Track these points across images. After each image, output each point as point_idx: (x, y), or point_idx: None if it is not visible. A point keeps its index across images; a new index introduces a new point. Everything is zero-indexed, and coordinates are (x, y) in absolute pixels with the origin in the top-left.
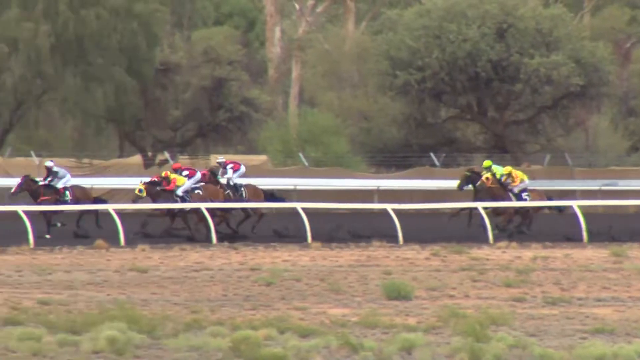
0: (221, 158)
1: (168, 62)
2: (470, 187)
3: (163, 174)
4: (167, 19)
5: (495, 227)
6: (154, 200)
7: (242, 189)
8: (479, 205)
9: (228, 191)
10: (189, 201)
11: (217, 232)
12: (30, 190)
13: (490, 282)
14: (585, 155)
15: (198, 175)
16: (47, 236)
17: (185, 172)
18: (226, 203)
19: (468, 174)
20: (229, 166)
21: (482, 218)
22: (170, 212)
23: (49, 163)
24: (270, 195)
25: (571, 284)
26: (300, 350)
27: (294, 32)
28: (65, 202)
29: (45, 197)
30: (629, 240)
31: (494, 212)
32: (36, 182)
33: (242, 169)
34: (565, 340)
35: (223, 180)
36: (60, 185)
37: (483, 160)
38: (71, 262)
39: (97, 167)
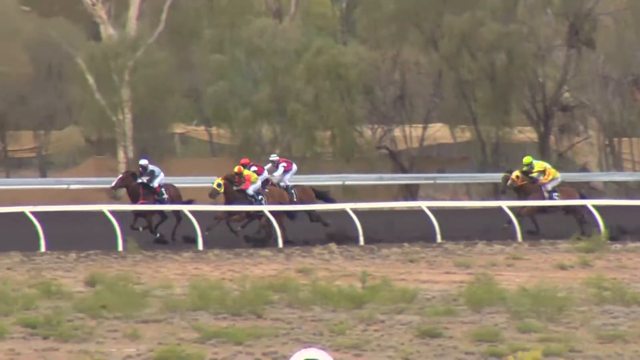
0: (274, 156)
1: None
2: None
3: (236, 169)
4: None
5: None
6: (228, 201)
7: (293, 190)
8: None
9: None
10: (263, 202)
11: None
12: (129, 187)
13: None
14: None
15: (265, 173)
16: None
17: (254, 168)
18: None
19: (507, 174)
20: (281, 165)
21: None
22: (248, 213)
23: (143, 161)
24: (322, 196)
25: None
26: None
27: None
28: (162, 201)
29: (145, 200)
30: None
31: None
32: (136, 179)
33: (294, 168)
34: None
35: (274, 180)
36: (155, 183)
37: None
38: None
39: None
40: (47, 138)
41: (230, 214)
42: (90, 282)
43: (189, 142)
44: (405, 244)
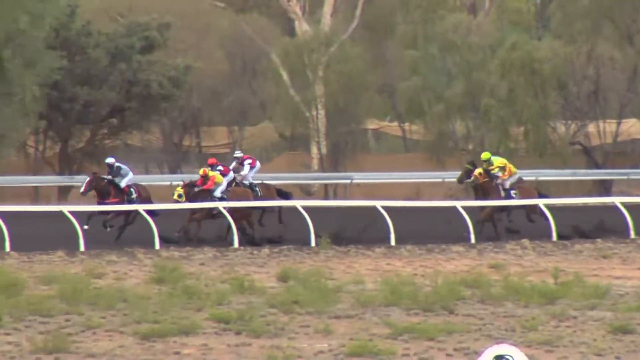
0: (238, 152)
1: None
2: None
3: (201, 172)
4: None
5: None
6: (192, 202)
7: (257, 187)
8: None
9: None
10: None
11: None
12: (97, 187)
13: None
14: None
15: (231, 173)
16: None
17: (219, 168)
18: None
19: (470, 167)
20: (246, 162)
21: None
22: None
23: (110, 159)
24: (280, 193)
25: None
26: None
27: None
28: (131, 201)
29: (115, 200)
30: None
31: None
32: (104, 180)
33: (258, 165)
34: None
35: (238, 177)
36: (123, 183)
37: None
38: None
39: None
40: (241, 134)
41: (192, 212)
42: (283, 278)
43: (383, 137)
44: (598, 240)
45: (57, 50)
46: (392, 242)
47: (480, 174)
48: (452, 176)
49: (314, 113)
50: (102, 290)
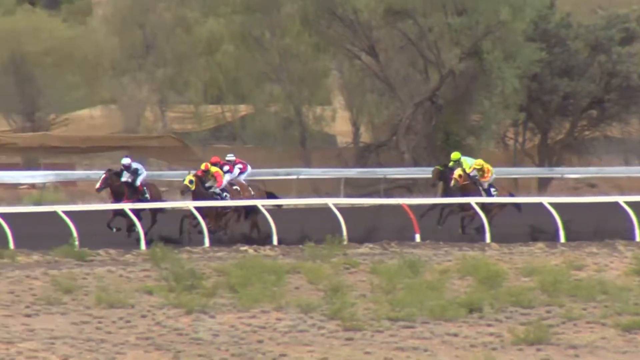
0: (231, 156)
1: None
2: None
3: (203, 167)
4: None
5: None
6: (195, 198)
7: (249, 188)
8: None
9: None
10: (228, 198)
11: None
12: (112, 186)
13: None
14: None
15: (236, 170)
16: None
17: (226, 168)
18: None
19: (441, 168)
20: (237, 166)
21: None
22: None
23: (126, 160)
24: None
25: None
26: None
27: None
28: (145, 200)
29: (130, 200)
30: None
31: (461, 208)
32: (120, 178)
33: (249, 169)
34: None
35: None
36: (138, 182)
37: None
38: None
39: None
40: None
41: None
42: None
43: None
44: None
45: (536, 42)
46: None
47: (460, 176)
48: None
49: None
50: (582, 281)
